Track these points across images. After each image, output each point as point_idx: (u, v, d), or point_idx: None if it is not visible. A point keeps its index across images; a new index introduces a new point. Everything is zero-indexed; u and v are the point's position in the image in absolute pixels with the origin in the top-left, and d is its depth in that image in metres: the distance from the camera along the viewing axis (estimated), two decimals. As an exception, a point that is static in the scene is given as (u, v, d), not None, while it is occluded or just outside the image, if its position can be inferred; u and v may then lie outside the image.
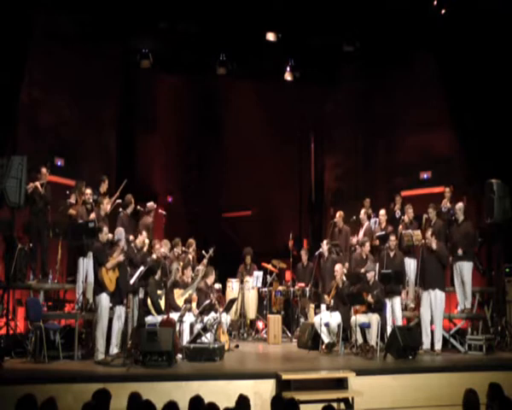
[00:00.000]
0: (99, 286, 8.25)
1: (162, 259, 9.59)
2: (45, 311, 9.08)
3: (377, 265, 9.90)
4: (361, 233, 11.13)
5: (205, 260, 10.45)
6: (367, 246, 10.27)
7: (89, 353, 8.43)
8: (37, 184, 9.42)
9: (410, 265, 10.20)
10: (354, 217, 11.39)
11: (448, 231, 10.24)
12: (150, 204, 10.85)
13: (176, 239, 10.64)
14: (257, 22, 11.96)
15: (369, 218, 11.40)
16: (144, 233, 9.65)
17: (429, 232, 9.52)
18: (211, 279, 9.76)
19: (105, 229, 8.69)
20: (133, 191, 10.72)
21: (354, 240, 11.10)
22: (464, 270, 9.90)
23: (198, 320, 9.03)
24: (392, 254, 9.76)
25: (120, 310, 8.41)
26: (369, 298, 9.07)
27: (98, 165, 12.18)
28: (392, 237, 9.85)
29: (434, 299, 9.34)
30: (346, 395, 7.14)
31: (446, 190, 10.77)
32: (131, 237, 9.82)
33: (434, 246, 9.33)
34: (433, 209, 10.39)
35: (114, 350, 8.39)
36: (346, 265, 10.53)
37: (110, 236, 9.02)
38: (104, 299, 8.22)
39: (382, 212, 11.01)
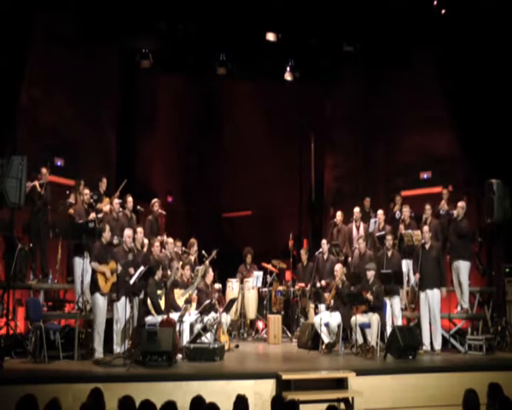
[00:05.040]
0: (94, 285, 8.30)
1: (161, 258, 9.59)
2: (45, 311, 9.10)
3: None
4: (361, 231, 11.13)
5: (207, 262, 10.44)
6: (360, 242, 10.27)
7: (88, 353, 8.41)
8: (36, 183, 9.41)
9: (409, 266, 10.20)
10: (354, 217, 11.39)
11: (445, 230, 10.23)
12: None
13: (176, 242, 10.64)
14: (257, 22, 11.97)
15: (368, 218, 11.40)
16: (139, 230, 9.65)
17: (426, 228, 9.54)
18: (209, 278, 9.78)
19: (107, 228, 8.70)
20: (133, 191, 10.73)
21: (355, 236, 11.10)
22: (461, 269, 9.89)
23: (198, 320, 9.03)
24: (389, 253, 9.76)
25: (119, 310, 8.41)
26: (369, 295, 9.05)
27: (98, 165, 12.18)
28: (389, 237, 9.84)
29: (432, 298, 9.34)
30: (346, 395, 7.13)
31: (444, 191, 10.79)
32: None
33: (428, 242, 9.34)
34: (430, 207, 10.40)
35: (117, 350, 8.40)
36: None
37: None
38: (99, 298, 8.25)
39: (380, 212, 11.02)
